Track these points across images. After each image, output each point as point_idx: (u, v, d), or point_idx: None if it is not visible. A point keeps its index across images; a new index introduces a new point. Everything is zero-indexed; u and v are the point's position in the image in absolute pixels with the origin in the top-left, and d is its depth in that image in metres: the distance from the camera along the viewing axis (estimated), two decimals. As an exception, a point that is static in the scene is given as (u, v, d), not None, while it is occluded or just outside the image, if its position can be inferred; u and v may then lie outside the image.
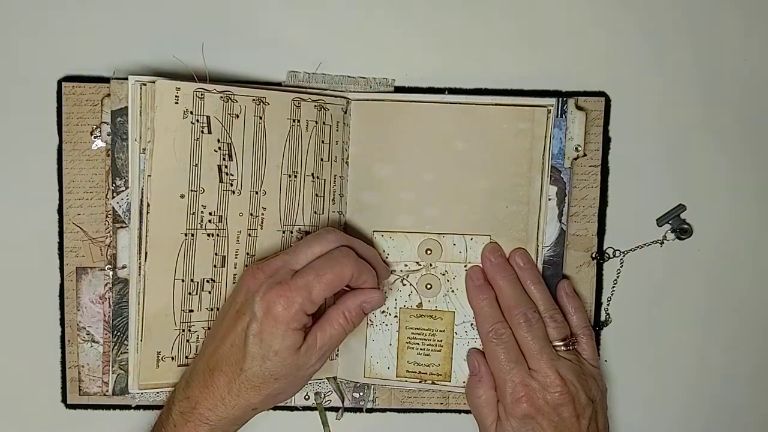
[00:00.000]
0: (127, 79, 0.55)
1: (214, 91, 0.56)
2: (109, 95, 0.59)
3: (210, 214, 0.56)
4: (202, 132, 0.55)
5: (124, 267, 0.59)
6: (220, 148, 0.56)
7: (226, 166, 0.56)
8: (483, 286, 0.60)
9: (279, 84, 0.60)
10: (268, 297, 0.52)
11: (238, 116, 0.56)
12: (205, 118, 0.55)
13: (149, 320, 0.56)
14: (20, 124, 0.60)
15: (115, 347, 0.59)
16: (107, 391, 0.61)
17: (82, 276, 0.60)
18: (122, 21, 0.60)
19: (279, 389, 0.54)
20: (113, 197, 0.59)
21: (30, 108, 0.60)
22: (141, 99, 0.55)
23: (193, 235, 0.56)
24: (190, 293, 0.57)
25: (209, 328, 0.58)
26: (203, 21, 0.60)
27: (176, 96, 0.54)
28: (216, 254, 0.57)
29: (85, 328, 0.61)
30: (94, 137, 0.60)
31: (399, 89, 0.61)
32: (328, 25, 0.61)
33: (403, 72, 0.61)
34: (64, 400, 0.62)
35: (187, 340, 0.58)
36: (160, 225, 0.55)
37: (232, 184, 0.57)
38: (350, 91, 0.61)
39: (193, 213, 0.56)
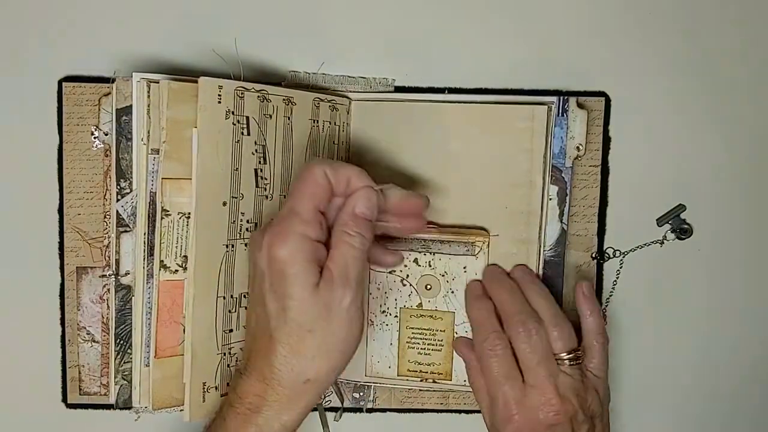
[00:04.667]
0: (132, 77, 0.54)
1: (253, 90, 0.53)
2: (107, 94, 0.59)
3: (248, 222, 0.54)
4: (242, 134, 0.53)
5: (127, 273, 0.57)
6: (256, 151, 0.53)
7: (261, 170, 0.54)
8: (481, 296, 0.58)
9: (279, 84, 0.60)
10: (265, 243, 0.48)
11: (271, 116, 0.54)
12: (244, 118, 0.53)
13: (196, 348, 0.52)
14: (20, 124, 0.60)
15: (118, 356, 0.57)
16: (105, 392, 0.61)
17: (83, 276, 0.60)
18: (122, 21, 0.60)
19: (323, 346, 0.49)
20: (117, 200, 0.56)
21: (30, 108, 0.60)
22: (149, 97, 0.53)
23: (233, 246, 0.53)
24: (230, 311, 0.54)
25: None
26: (202, 20, 0.60)
27: (219, 95, 0.51)
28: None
29: (85, 328, 0.61)
30: (94, 137, 0.60)
31: (399, 89, 0.61)
32: (328, 25, 0.61)
33: (403, 72, 0.61)
34: (64, 399, 0.62)
35: (228, 365, 0.54)
36: (204, 237, 0.52)
37: (265, 189, 0.54)
38: (350, 91, 0.61)
39: (233, 222, 0.53)
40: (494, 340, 0.55)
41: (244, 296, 0.55)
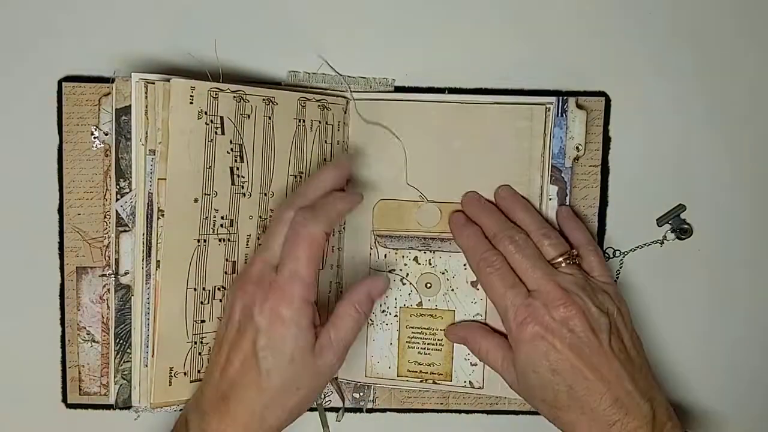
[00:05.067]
0: (131, 77, 0.54)
1: (228, 90, 0.54)
2: (107, 94, 0.59)
3: (222, 218, 0.55)
4: (216, 133, 0.54)
5: (126, 273, 0.57)
6: (232, 150, 0.55)
7: (237, 168, 0.55)
8: (466, 223, 0.58)
9: (279, 84, 0.60)
10: (268, 304, 0.50)
11: (249, 116, 0.55)
12: (218, 118, 0.54)
13: (161, 333, 0.54)
14: (20, 124, 0.60)
15: (118, 356, 0.57)
16: (105, 392, 0.61)
17: (82, 276, 0.60)
18: (121, 21, 0.60)
19: (302, 399, 0.52)
20: (117, 200, 0.57)
21: (30, 108, 0.60)
22: (146, 98, 0.54)
23: (205, 240, 0.55)
24: (202, 302, 0.55)
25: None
26: (202, 20, 0.60)
27: (191, 96, 0.53)
28: (227, 260, 0.56)
29: (85, 328, 0.61)
30: (94, 137, 0.60)
31: (399, 89, 0.61)
32: (328, 25, 0.61)
33: (403, 72, 0.61)
34: (64, 399, 0.62)
35: (200, 353, 0.56)
36: (173, 231, 0.53)
37: (243, 186, 0.56)
38: (350, 91, 0.61)
39: (206, 218, 0.54)
40: (490, 257, 0.56)
41: (218, 289, 0.56)
